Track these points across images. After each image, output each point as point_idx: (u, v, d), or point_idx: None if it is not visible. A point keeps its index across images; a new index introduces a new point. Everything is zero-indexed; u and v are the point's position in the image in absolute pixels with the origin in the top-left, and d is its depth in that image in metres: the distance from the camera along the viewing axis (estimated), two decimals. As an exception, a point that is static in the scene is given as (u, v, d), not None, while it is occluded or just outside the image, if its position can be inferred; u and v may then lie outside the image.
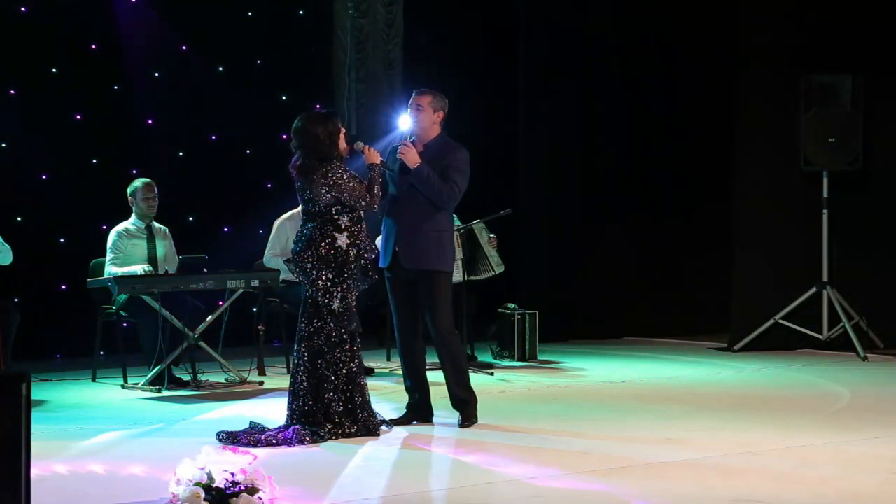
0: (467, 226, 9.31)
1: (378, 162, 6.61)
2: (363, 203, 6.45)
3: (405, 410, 6.92)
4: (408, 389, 6.95)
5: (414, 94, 6.88)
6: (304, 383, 6.40)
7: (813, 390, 8.39)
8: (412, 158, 6.68)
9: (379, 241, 7.00)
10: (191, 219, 10.56)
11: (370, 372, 8.48)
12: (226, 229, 10.79)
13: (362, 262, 6.50)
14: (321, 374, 6.39)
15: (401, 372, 7.00)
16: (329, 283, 6.42)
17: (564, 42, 11.61)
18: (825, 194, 10.24)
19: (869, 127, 10.23)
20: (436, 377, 7.05)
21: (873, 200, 10.42)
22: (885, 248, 10.33)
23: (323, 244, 6.42)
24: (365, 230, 6.56)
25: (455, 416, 6.79)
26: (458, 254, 8.89)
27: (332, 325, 6.42)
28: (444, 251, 6.78)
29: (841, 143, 10.13)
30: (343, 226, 6.44)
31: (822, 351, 10.20)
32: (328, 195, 6.40)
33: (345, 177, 6.42)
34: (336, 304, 6.43)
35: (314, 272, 6.42)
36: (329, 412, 6.36)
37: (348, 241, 6.44)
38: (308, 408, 6.35)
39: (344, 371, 6.44)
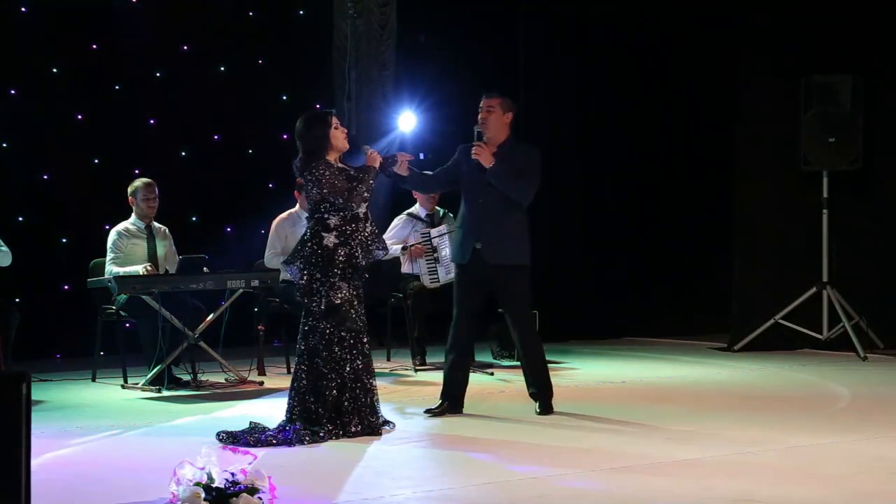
0: (450, 230, 9.22)
1: (376, 165, 6.60)
2: (340, 200, 6.40)
3: (440, 401, 7.07)
4: (448, 383, 7.09)
5: (483, 98, 7.03)
6: (304, 382, 6.40)
7: (813, 390, 8.39)
8: (487, 158, 6.86)
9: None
10: (194, 219, 10.56)
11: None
12: (228, 229, 10.79)
13: (354, 261, 6.48)
14: (320, 373, 6.38)
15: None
16: (317, 283, 6.41)
17: (562, 43, 11.60)
18: (825, 194, 10.24)
19: (869, 127, 10.23)
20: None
21: (873, 200, 10.43)
22: (885, 248, 10.34)
23: (311, 243, 6.43)
24: (368, 231, 6.51)
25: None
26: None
27: (324, 323, 6.41)
28: (525, 244, 7.02)
29: (841, 143, 10.13)
30: (332, 225, 6.42)
31: (822, 351, 10.20)
32: (314, 191, 6.43)
33: (326, 173, 6.40)
34: (323, 303, 6.42)
35: (302, 271, 6.44)
36: (335, 410, 6.35)
37: (336, 241, 6.41)
38: (309, 406, 6.35)
39: (348, 369, 6.43)
